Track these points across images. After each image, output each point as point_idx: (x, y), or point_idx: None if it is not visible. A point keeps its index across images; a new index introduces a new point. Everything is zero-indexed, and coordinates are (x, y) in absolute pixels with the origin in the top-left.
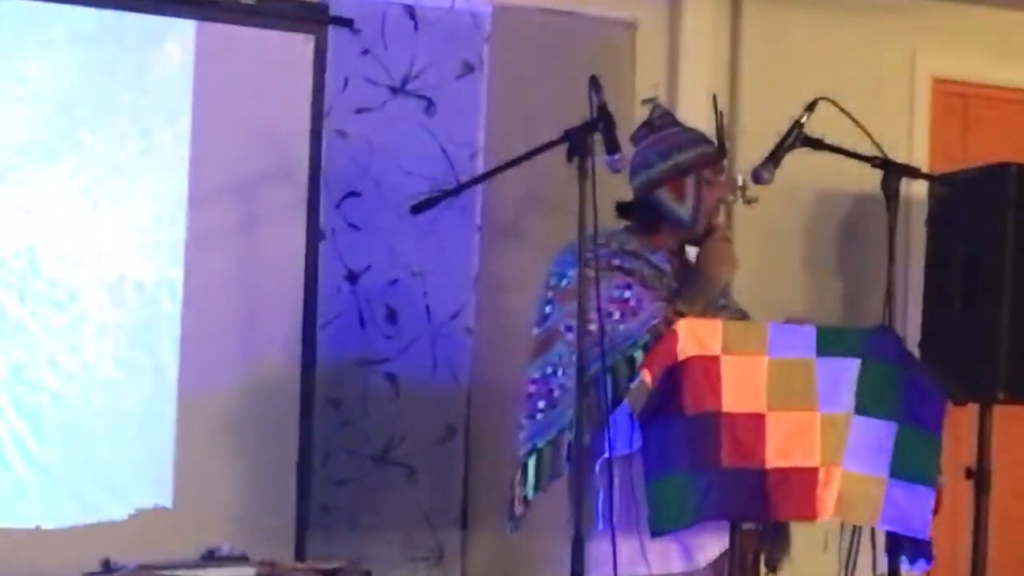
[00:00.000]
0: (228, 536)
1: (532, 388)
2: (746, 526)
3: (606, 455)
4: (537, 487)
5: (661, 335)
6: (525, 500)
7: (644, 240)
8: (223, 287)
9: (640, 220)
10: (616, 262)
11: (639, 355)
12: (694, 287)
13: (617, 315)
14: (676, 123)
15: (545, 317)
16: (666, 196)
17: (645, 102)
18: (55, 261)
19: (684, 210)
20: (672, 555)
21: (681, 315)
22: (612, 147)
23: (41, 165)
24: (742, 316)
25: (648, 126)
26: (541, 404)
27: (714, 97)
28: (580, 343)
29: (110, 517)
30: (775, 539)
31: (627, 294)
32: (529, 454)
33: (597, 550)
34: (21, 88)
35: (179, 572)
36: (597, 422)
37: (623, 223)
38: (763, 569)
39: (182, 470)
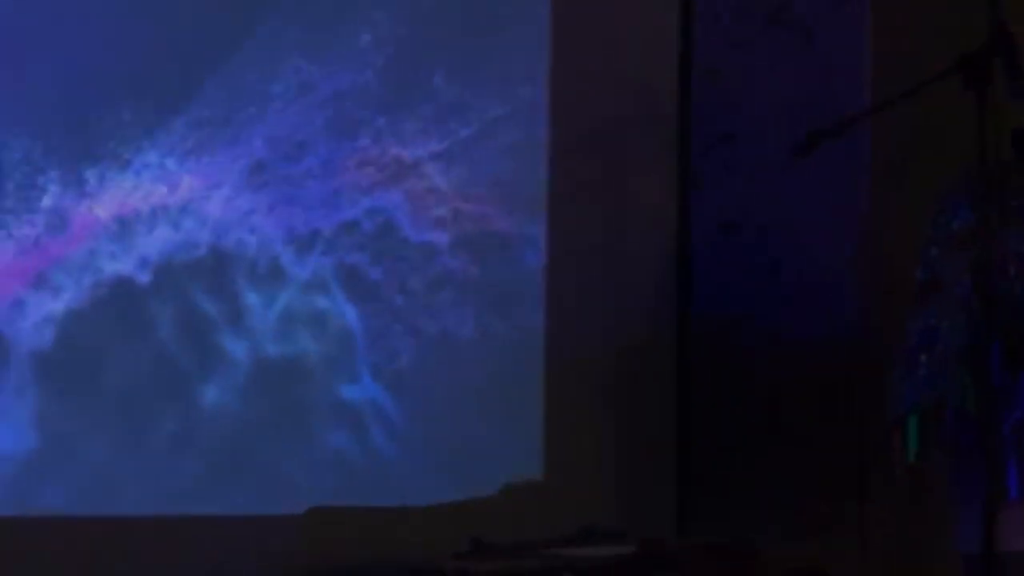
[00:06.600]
0: (603, 510)
1: (914, 339)
2: None
3: (1017, 414)
4: (920, 452)
5: None
6: (908, 466)
7: None
8: (588, 241)
9: None
10: (1015, 204)
11: None
12: None
13: (1013, 272)
14: None
15: (930, 261)
16: None
17: None
18: (406, 220)
19: None
20: None
21: None
22: (1014, 72)
23: (394, 119)
24: None
25: None
26: (923, 358)
27: None
28: (975, 305)
29: (478, 492)
30: None
31: None
32: (911, 412)
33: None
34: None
35: (555, 551)
36: (985, 397)
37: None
38: None
39: (553, 440)
